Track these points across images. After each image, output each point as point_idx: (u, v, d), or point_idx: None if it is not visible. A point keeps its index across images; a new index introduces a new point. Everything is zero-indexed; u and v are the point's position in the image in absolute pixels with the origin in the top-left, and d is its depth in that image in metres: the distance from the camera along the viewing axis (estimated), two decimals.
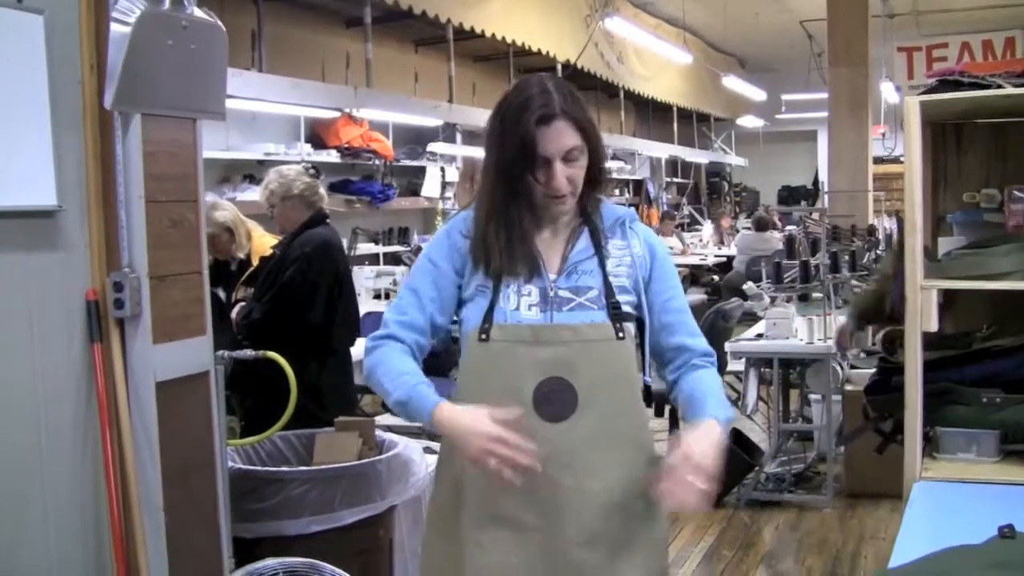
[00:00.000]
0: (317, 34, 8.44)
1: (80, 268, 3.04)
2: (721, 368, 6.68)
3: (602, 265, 2.33)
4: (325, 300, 4.49)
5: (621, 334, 2.29)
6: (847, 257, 7.05)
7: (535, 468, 2.11)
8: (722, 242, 15.73)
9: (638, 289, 2.36)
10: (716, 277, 13.72)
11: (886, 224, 10.30)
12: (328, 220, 4.80)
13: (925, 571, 2.11)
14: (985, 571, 2.06)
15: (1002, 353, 3.25)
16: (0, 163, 2.77)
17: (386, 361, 2.29)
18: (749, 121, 17.43)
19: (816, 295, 6.72)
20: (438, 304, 2.34)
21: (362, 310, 5.07)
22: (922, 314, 2.97)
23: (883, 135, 12.84)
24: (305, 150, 7.97)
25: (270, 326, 4.41)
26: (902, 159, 3.11)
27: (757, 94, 15.94)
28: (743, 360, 6.40)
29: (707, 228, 16.36)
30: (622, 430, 2.30)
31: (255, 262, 4.96)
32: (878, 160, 11.49)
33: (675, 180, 18.13)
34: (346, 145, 8.37)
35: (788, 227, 11.90)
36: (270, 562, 3.27)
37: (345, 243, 5.33)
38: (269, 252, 4.80)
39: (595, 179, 2.36)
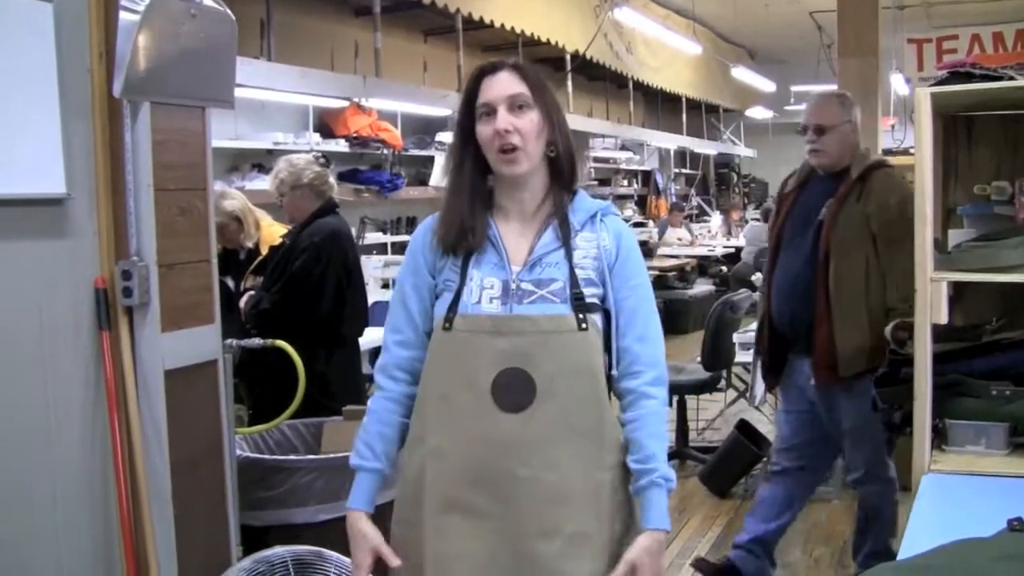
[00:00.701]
0: (326, 23, 8.42)
1: (89, 256, 3.05)
2: (729, 359, 6.68)
3: (569, 257, 2.33)
4: (334, 290, 4.49)
5: (584, 325, 2.28)
6: None
7: None
8: (730, 233, 15.72)
9: (604, 281, 2.35)
10: (724, 268, 13.71)
11: None
12: (338, 209, 4.80)
13: (934, 563, 2.11)
14: (994, 563, 2.06)
15: (1012, 346, 3.25)
16: (9, 151, 2.77)
17: (371, 421, 2.42)
18: (758, 112, 17.39)
19: None
20: (426, 315, 2.39)
21: (370, 299, 5.06)
22: (932, 306, 2.97)
23: (892, 127, 12.80)
24: (314, 139, 7.96)
25: (279, 316, 4.41)
26: (912, 151, 3.10)
27: (766, 85, 15.90)
28: (751, 351, 6.39)
29: (715, 219, 16.34)
30: (582, 422, 2.28)
31: (264, 251, 4.96)
32: (887, 152, 11.44)
33: (684, 171, 18.11)
34: (355, 134, 8.35)
35: None
36: (278, 550, 3.26)
37: (353, 232, 5.33)
38: (279, 241, 4.80)
39: (561, 168, 2.38)
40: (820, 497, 5.94)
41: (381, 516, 2.42)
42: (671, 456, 6.64)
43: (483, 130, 2.30)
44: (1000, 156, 3.67)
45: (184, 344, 3.18)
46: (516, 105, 2.28)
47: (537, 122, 2.31)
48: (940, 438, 3.11)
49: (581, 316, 2.29)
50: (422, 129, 9.73)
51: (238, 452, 3.57)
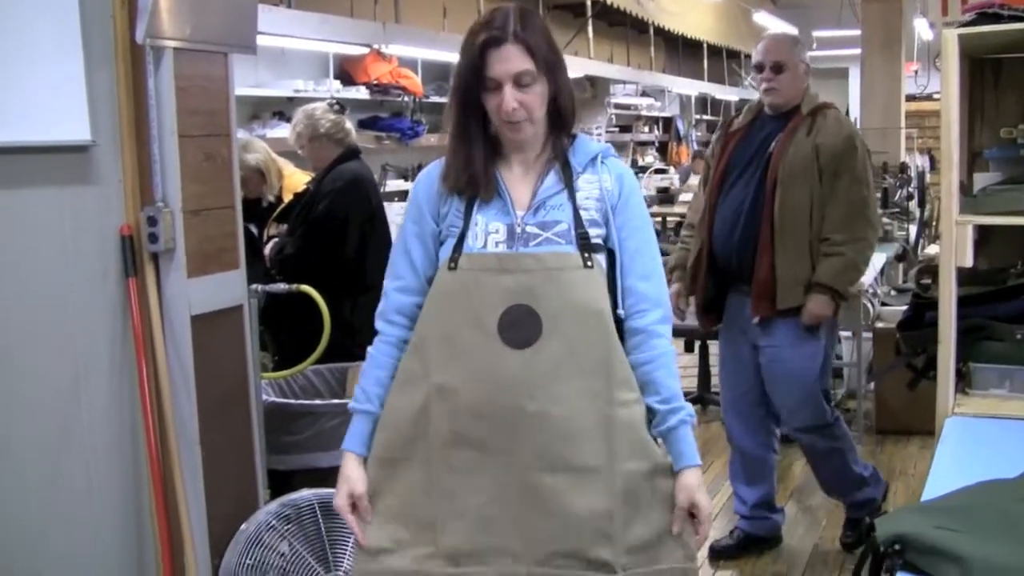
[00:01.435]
0: None
1: (114, 203, 3.06)
2: None
3: (572, 199, 2.35)
4: (358, 234, 4.49)
5: (589, 263, 2.30)
6: (879, 194, 6.99)
7: (364, 546, 2.35)
8: None
9: (607, 221, 2.37)
10: None
11: (918, 161, 10.21)
12: (360, 155, 4.79)
13: (957, 505, 2.12)
14: (1018, 504, 2.07)
15: None
16: (33, 98, 2.78)
17: (369, 365, 2.44)
18: None
19: None
20: (429, 261, 2.40)
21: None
22: (957, 250, 2.95)
23: (916, 72, 12.68)
24: (334, 87, 7.93)
25: (303, 261, 4.42)
26: (935, 96, 3.10)
27: (788, 30, 15.74)
28: None
29: None
30: (589, 358, 2.29)
31: (287, 199, 4.97)
32: (910, 98, 11.36)
33: (705, 117, 17.97)
34: (375, 82, 8.31)
35: None
36: (304, 493, 3.31)
37: (376, 178, 5.32)
38: (302, 188, 4.80)
39: (560, 115, 2.38)
40: None
41: None
42: (693, 401, 6.71)
43: (489, 99, 2.31)
44: None
45: (210, 290, 3.20)
46: (522, 83, 2.28)
47: (542, 93, 2.32)
48: (964, 382, 3.12)
49: (586, 255, 2.30)
50: (442, 76, 9.68)
51: (264, 397, 3.60)
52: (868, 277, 5.85)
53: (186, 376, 3.14)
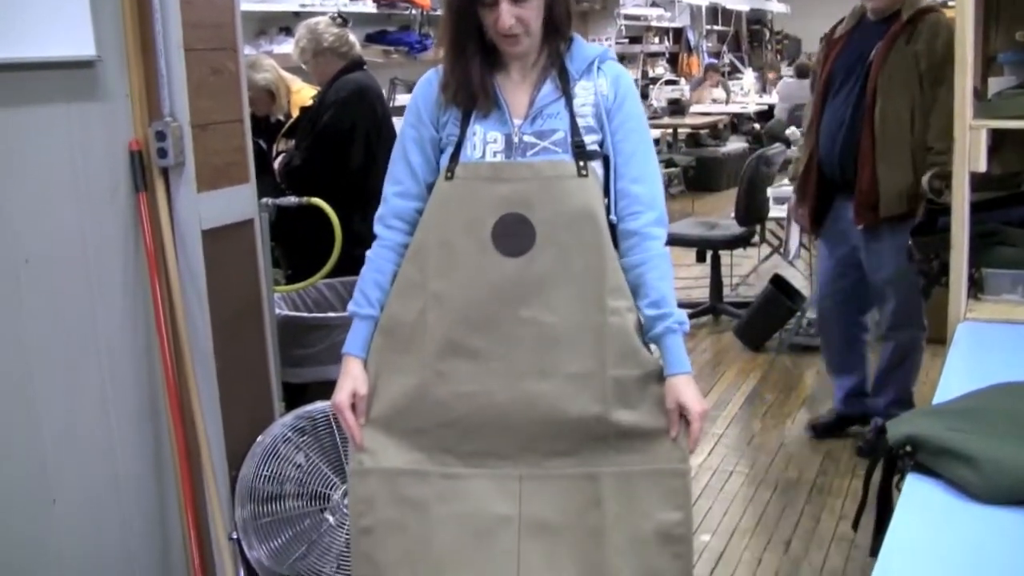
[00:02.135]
0: None
1: (122, 118, 3.05)
2: (763, 214, 6.66)
3: (569, 106, 2.36)
4: (364, 145, 4.46)
5: (584, 172, 2.32)
6: None
7: (360, 447, 2.40)
8: (764, 90, 15.49)
9: (603, 126, 2.38)
10: (757, 126, 13.56)
11: None
12: (365, 67, 4.75)
13: (968, 407, 2.13)
14: None
15: None
16: (38, 14, 2.75)
17: (368, 269, 2.47)
18: None
19: None
20: (428, 166, 2.43)
21: None
22: (970, 154, 2.93)
23: None
24: (341, 0, 7.85)
25: (310, 173, 4.40)
26: (951, 2, 3.03)
27: None
28: (785, 205, 6.36)
29: (748, 76, 16.09)
30: (581, 266, 2.32)
31: (295, 114, 4.94)
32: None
33: (715, 28, 17.76)
34: None
35: None
36: (319, 405, 3.33)
37: (384, 94, 5.27)
38: (309, 103, 4.77)
39: (556, 22, 2.37)
40: None
41: None
42: (705, 312, 6.73)
43: (486, 14, 2.30)
44: None
45: (220, 204, 3.19)
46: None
47: (538, 6, 2.31)
48: (976, 287, 3.11)
49: (582, 164, 2.32)
50: None
51: (277, 311, 3.61)
52: None
53: (199, 291, 3.15)
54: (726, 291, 7.11)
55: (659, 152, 10.93)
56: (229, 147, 3.23)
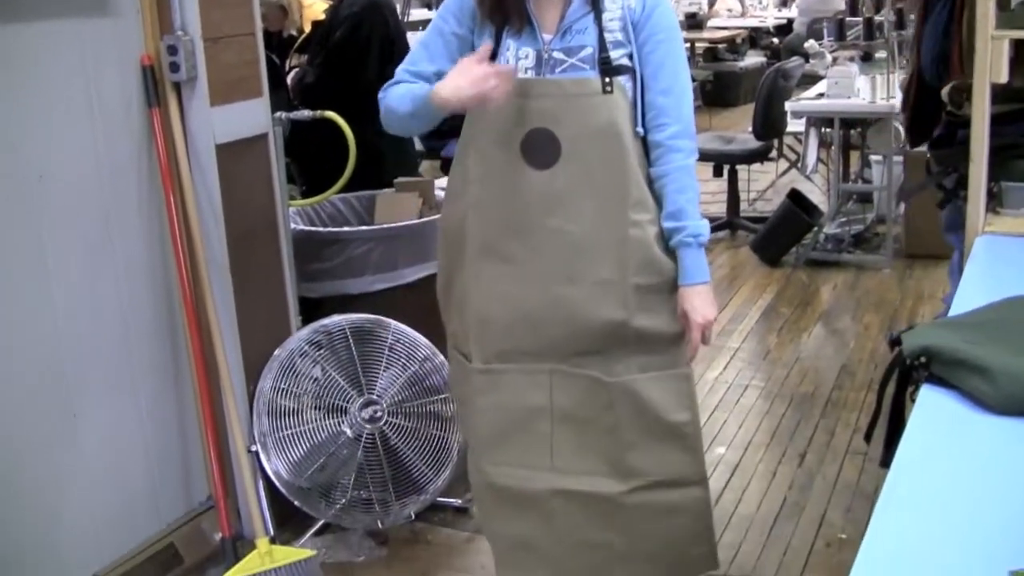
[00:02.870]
0: None
1: (133, 33, 3.02)
2: (780, 128, 6.60)
3: (598, 21, 2.39)
4: (377, 58, 4.43)
5: (609, 88, 2.37)
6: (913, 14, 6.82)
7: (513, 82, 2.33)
8: (784, 4, 15.26)
9: (631, 39, 2.40)
10: (776, 40, 13.38)
11: None
12: None
13: (983, 319, 2.12)
14: None
15: None
16: None
17: (394, 97, 2.48)
18: None
19: (880, 54, 6.53)
20: (447, 57, 2.45)
21: None
22: (992, 66, 2.89)
23: None
24: None
25: (324, 87, 4.38)
26: None
27: None
28: (803, 120, 6.31)
29: None
30: (605, 180, 2.40)
31: (307, 29, 4.91)
32: None
33: None
34: None
35: None
36: (336, 319, 3.34)
37: (399, 8, 5.23)
38: (322, 17, 4.73)
39: None
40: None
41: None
42: (722, 226, 6.70)
43: None
44: None
45: (234, 118, 3.18)
46: None
47: None
48: (995, 201, 3.08)
49: (607, 80, 2.37)
50: None
51: (292, 226, 3.61)
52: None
53: (214, 206, 3.15)
54: (743, 206, 7.08)
55: None
56: (241, 60, 3.20)
